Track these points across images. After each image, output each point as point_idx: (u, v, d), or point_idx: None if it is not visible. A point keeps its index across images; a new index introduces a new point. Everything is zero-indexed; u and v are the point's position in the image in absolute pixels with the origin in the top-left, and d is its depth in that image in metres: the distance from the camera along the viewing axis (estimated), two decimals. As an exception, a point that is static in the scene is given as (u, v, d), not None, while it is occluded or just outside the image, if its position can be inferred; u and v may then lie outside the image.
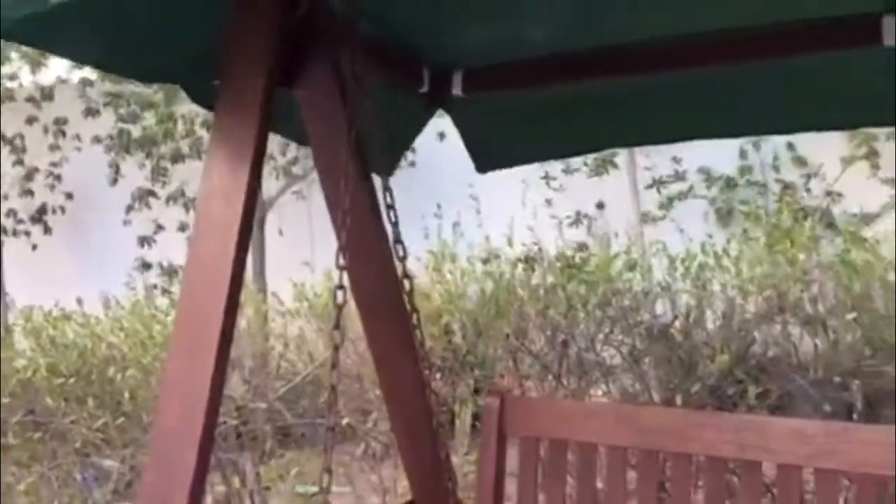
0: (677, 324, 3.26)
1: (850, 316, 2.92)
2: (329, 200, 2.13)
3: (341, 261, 1.91)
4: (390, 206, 2.04)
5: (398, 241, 1.99)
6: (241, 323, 3.91)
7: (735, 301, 3.19)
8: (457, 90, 2.47)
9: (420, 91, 2.45)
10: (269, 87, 1.90)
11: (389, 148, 2.40)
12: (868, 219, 5.28)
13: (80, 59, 2.01)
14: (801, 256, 3.09)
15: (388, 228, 2.06)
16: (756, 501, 1.85)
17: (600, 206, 6.26)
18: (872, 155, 5.85)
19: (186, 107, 6.34)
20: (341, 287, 1.87)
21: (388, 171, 2.51)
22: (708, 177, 6.30)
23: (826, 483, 1.75)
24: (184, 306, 1.87)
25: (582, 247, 4.74)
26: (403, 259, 2.02)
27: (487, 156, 2.75)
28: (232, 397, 3.46)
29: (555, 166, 6.08)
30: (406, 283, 2.03)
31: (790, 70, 2.20)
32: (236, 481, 3.37)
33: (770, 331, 3.06)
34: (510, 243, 3.97)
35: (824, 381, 2.87)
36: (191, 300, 1.81)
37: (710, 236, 4.58)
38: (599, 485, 2.00)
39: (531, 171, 5.03)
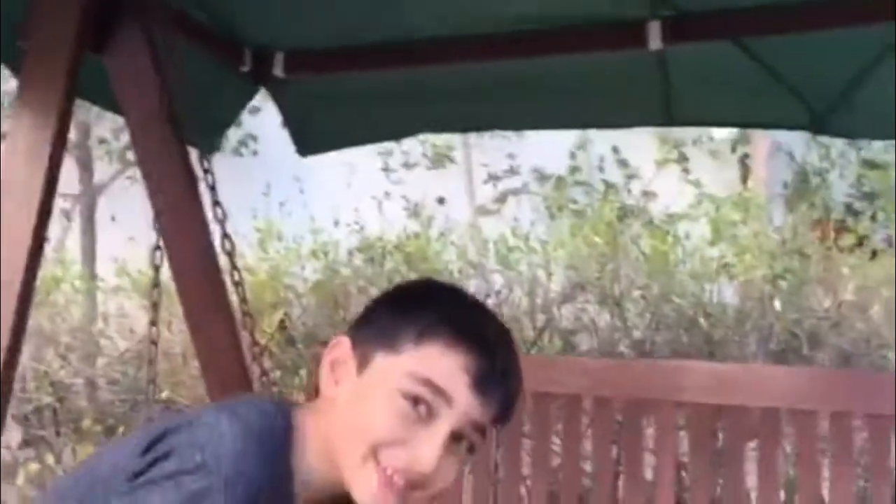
0: (490, 301, 3.51)
1: (637, 293, 3.25)
2: (142, 168, 2.17)
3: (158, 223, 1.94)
4: (212, 187, 2.11)
5: (226, 234, 2.03)
6: (59, 299, 3.83)
7: (540, 279, 3.48)
8: (278, 70, 2.54)
9: (241, 69, 2.51)
10: (76, 51, 1.93)
11: (210, 124, 2.45)
12: (678, 217, 5.75)
13: None
14: (598, 240, 3.40)
15: (211, 209, 2.11)
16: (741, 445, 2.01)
17: (441, 200, 6.45)
18: (682, 159, 6.42)
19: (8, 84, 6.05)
20: (158, 248, 1.93)
21: (209, 147, 2.57)
22: (541, 175, 6.65)
23: (806, 422, 1.95)
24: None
25: (413, 235, 4.98)
26: (229, 240, 2.04)
27: (309, 138, 2.76)
28: (47, 373, 3.39)
29: (395, 159, 6.27)
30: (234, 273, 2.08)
31: (580, 72, 2.40)
32: (50, 458, 3.31)
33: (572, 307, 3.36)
34: (336, 224, 4.10)
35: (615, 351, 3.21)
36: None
37: (532, 223, 4.89)
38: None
39: (366, 161, 5.19)
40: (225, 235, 2.09)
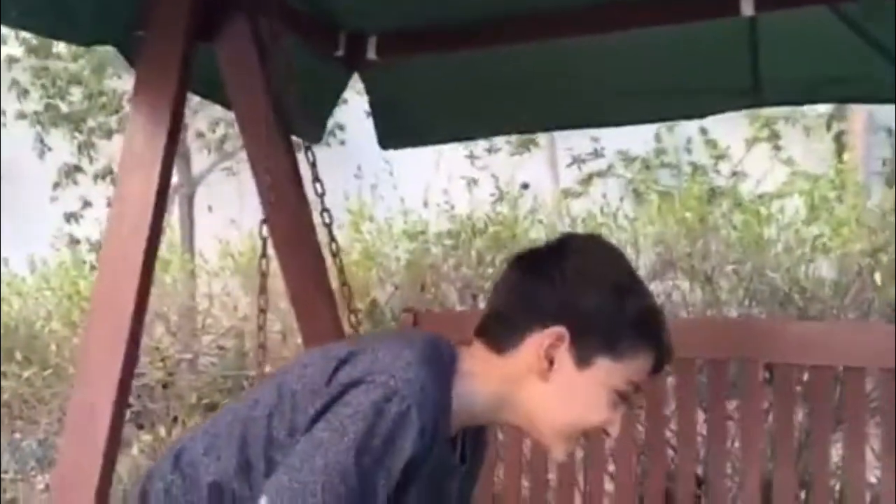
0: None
1: (729, 268, 3.22)
2: (250, 155, 2.28)
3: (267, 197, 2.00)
4: (313, 164, 2.21)
5: (325, 209, 2.15)
6: (167, 280, 4.04)
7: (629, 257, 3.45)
8: (371, 54, 2.61)
9: (335, 55, 2.59)
10: (188, 38, 2.04)
11: (311, 114, 2.53)
12: (770, 197, 5.60)
13: (15, 24, 2.10)
14: (689, 215, 3.37)
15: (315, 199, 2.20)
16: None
17: (525, 186, 6.42)
18: (773, 137, 6.25)
19: (115, 83, 6.36)
20: (265, 221, 2.03)
21: (314, 138, 2.67)
22: (626, 157, 6.58)
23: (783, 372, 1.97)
24: (106, 249, 2.00)
25: (500, 215, 5.01)
26: (328, 214, 2.14)
27: (393, 131, 2.80)
28: (158, 349, 3.59)
29: (478, 145, 6.31)
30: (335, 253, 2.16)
31: (666, 61, 2.38)
32: (162, 430, 3.50)
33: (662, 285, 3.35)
34: (426, 205, 4.18)
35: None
36: (115, 237, 1.95)
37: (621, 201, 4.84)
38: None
39: (452, 146, 5.25)
40: (324, 209, 2.19)
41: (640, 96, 2.50)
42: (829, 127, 6.44)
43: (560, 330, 1.12)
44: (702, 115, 2.66)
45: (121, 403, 1.82)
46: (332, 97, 2.88)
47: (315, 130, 2.68)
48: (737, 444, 2.09)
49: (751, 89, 2.38)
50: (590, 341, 1.11)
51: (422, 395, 1.02)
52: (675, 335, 1.17)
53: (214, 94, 2.37)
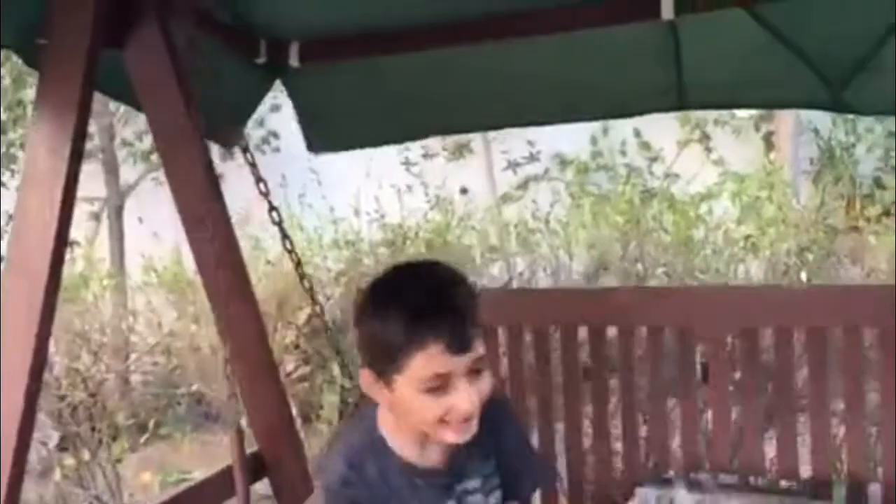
0: (514, 284, 3.50)
1: (660, 270, 3.24)
2: (164, 160, 2.20)
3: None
4: (252, 164, 2.16)
5: (273, 207, 2.14)
6: (89, 297, 3.89)
7: (562, 261, 3.47)
8: (293, 61, 2.54)
9: (257, 61, 2.53)
10: (93, 46, 1.94)
11: (228, 118, 2.46)
12: (701, 197, 5.69)
13: None
14: (620, 219, 3.39)
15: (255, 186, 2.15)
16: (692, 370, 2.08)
17: (464, 191, 6.38)
18: (704, 138, 6.36)
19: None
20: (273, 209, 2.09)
21: (230, 142, 2.59)
22: (562, 161, 6.61)
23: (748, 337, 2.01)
24: (8, 268, 1.90)
25: (433, 222, 4.98)
26: (277, 212, 2.14)
27: (321, 137, 2.72)
28: (78, 370, 3.45)
29: (414, 151, 6.26)
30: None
31: (594, 63, 2.38)
32: (86, 454, 3.37)
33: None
34: (357, 213, 4.12)
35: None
36: (18, 252, 1.85)
37: (552, 206, 4.86)
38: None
39: (385, 152, 5.18)
40: (272, 208, 2.14)
41: (566, 96, 2.49)
42: (757, 128, 6.58)
43: (364, 371, 1.28)
44: (628, 115, 2.65)
45: (25, 432, 1.72)
46: (253, 102, 2.80)
47: (232, 136, 2.59)
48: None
49: (675, 92, 2.38)
50: (380, 370, 1.24)
51: (327, 473, 1.29)
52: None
53: (125, 96, 2.27)
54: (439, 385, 1.20)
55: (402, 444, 1.31)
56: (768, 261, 3.35)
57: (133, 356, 3.89)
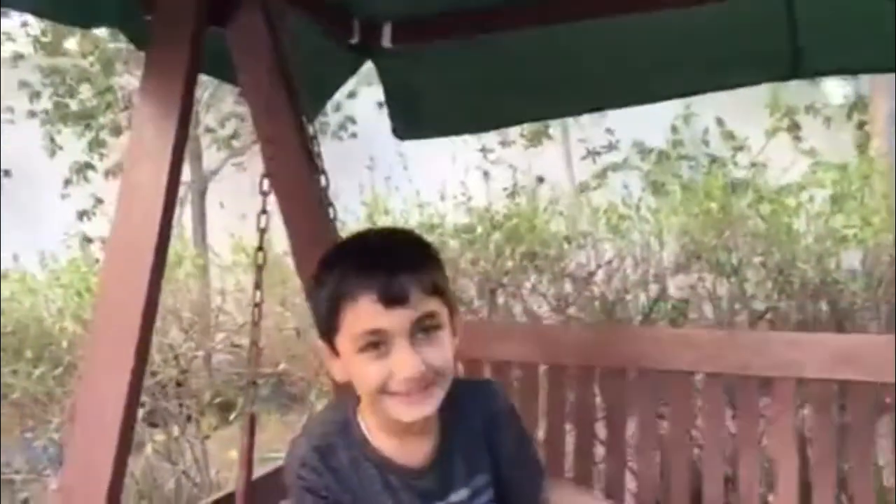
0: (600, 273, 3.43)
1: (757, 259, 3.12)
2: (262, 141, 2.21)
3: (265, 186, 1.91)
4: (318, 155, 2.12)
5: (329, 203, 2.03)
6: (179, 276, 3.97)
7: (652, 249, 3.38)
8: (386, 41, 2.54)
9: (350, 41, 2.53)
10: (199, 24, 1.96)
11: (314, 92, 2.46)
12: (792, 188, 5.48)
13: (13, 5, 2.02)
14: (713, 205, 3.28)
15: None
16: (654, 409, 1.99)
17: (541, 179, 6.32)
18: (794, 127, 6.14)
19: (124, 79, 6.31)
20: (264, 212, 1.94)
21: (310, 114, 2.60)
22: (641, 149, 6.47)
23: (713, 386, 1.91)
24: (113, 243, 1.92)
25: (516, 207, 4.92)
26: (332, 208, 2.04)
27: (408, 122, 2.70)
28: (171, 346, 3.52)
29: (491, 139, 6.23)
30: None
31: (690, 33, 2.30)
32: (175, 429, 3.44)
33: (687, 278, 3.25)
34: (442, 197, 4.10)
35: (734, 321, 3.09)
36: (124, 227, 1.87)
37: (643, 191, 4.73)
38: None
39: (466, 138, 5.16)
40: (329, 203, 2.11)
41: (667, 71, 2.42)
42: (849, 117, 6.33)
43: (316, 343, 1.24)
44: (736, 87, 2.54)
45: (132, 402, 1.73)
46: (340, 80, 2.79)
47: (315, 107, 2.59)
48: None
49: (789, 58, 2.28)
50: (324, 334, 1.20)
51: (287, 455, 1.23)
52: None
53: (223, 73, 2.29)
54: (377, 344, 1.11)
55: (379, 435, 1.20)
56: (871, 252, 3.21)
57: (221, 335, 3.97)
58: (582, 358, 1.99)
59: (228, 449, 3.58)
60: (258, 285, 1.90)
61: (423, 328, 1.12)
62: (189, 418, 3.49)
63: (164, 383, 3.47)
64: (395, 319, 1.10)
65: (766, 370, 1.84)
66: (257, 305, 1.91)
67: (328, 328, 1.17)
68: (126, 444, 1.66)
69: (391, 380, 1.12)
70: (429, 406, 1.14)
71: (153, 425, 3.70)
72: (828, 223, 3.34)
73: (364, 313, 1.11)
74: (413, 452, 1.20)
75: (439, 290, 1.14)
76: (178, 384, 3.52)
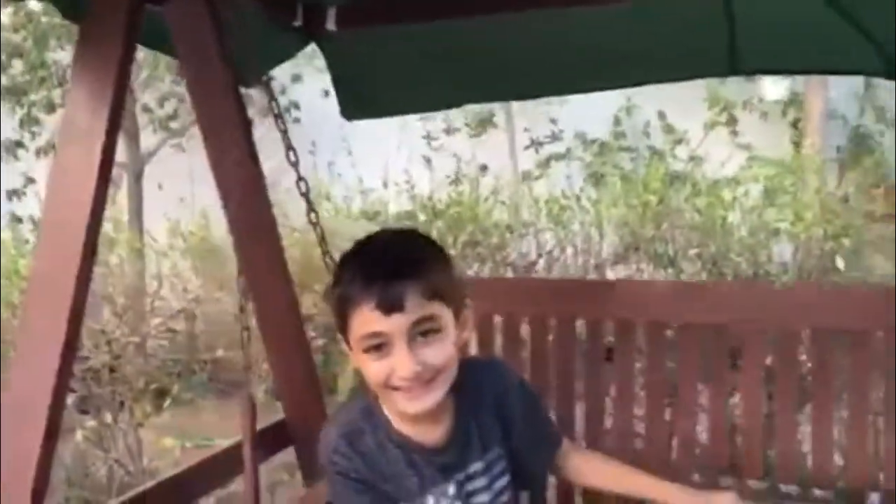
0: (541, 262, 3.45)
1: (693, 251, 3.19)
2: (200, 118, 2.16)
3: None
4: (284, 132, 2.10)
5: (301, 178, 2.03)
6: (113, 260, 3.87)
7: (592, 239, 3.42)
8: (330, 24, 2.51)
9: (294, 24, 2.48)
10: (136, 3, 1.91)
11: (252, 63, 2.40)
12: (728, 182, 5.62)
13: None
14: (652, 198, 3.33)
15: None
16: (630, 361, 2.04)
17: (484, 168, 6.34)
18: (731, 121, 6.29)
19: (58, 55, 6.10)
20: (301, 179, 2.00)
21: (247, 82, 2.55)
22: (584, 140, 6.55)
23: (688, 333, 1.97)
24: (45, 225, 1.86)
25: (461, 195, 4.93)
26: (304, 182, 2.04)
27: (357, 101, 2.72)
28: (104, 331, 3.43)
29: (436, 126, 6.22)
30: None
31: (631, 27, 2.32)
32: (108, 416, 3.36)
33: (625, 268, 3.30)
34: (385, 185, 4.07)
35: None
36: (54, 208, 1.81)
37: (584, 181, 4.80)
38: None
39: (409, 126, 5.14)
40: (300, 178, 2.08)
41: (608, 62, 2.44)
42: (784, 113, 6.50)
43: (340, 337, 1.31)
44: (680, 80, 2.59)
45: (60, 388, 1.68)
46: (282, 57, 2.74)
47: (251, 77, 2.55)
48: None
49: (727, 56, 2.32)
50: (341, 333, 1.27)
51: (321, 445, 1.31)
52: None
53: (163, 46, 2.23)
54: (379, 346, 1.20)
55: (398, 419, 1.30)
56: (803, 246, 3.30)
57: (156, 320, 3.87)
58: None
59: (163, 436, 3.52)
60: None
61: (422, 331, 1.21)
62: (122, 405, 3.41)
63: (96, 369, 3.37)
64: (394, 324, 1.19)
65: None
66: (241, 309, 1.88)
67: (340, 325, 1.26)
68: (54, 431, 1.61)
69: (392, 377, 1.21)
70: (429, 400, 1.24)
71: (84, 412, 3.61)
72: (761, 217, 3.42)
73: (365, 319, 1.20)
74: (432, 432, 1.31)
75: (439, 294, 1.22)
76: (111, 370, 3.44)
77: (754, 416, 1.99)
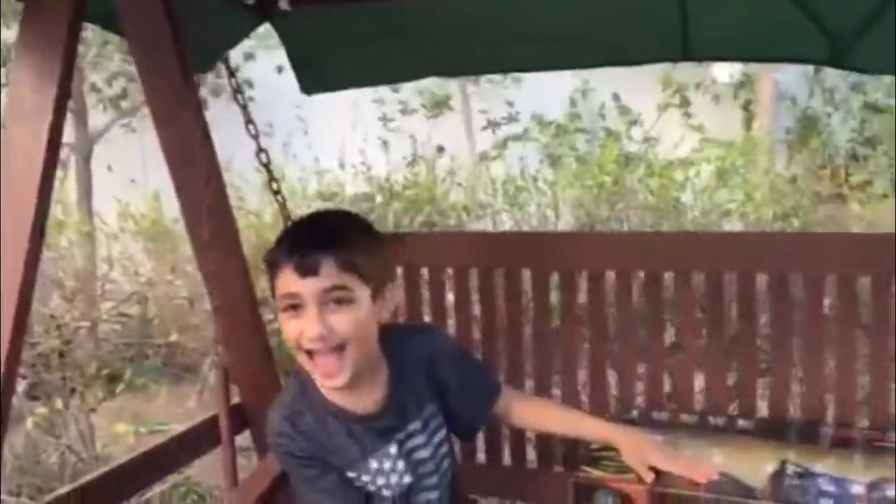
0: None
1: (647, 231, 3.21)
2: (150, 98, 2.11)
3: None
4: (244, 106, 2.09)
5: (261, 149, 2.08)
6: (62, 243, 3.77)
7: (548, 220, 3.44)
8: (283, 4, 2.47)
9: (246, 3, 2.44)
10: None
11: (206, 50, 2.37)
12: (681, 162, 5.68)
13: None
14: (607, 179, 3.36)
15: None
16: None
17: (441, 149, 6.33)
18: (684, 103, 6.35)
19: (5, 33, 5.91)
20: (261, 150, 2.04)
21: (202, 68, 2.51)
22: (540, 122, 6.56)
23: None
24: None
25: (417, 176, 4.91)
26: (265, 154, 2.09)
27: (314, 76, 2.72)
28: (53, 316, 3.35)
29: (392, 108, 6.18)
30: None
31: (588, 8, 2.33)
32: (59, 402, 3.30)
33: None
34: (342, 166, 4.03)
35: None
36: (1, 187, 1.77)
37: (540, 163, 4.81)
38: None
39: (365, 107, 5.10)
40: (260, 150, 2.08)
41: (562, 42, 2.45)
42: (736, 96, 6.60)
43: None
44: (631, 64, 2.61)
45: (9, 374, 1.65)
46: (235, 38, 2.71)
47: (207, 62, 2.51)
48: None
49: (679, 41, 2.35)
50: (273, 294, 1.34)
51: (267, 430, 1.40)
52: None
53: (110, 23, 2.17)
54: (295, 307, 1.28)
55: (333, 393, 1.38)
56: (754, 226, 3.36)
57: (108, 304, 3.80)
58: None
59: (116, 422, 3.47)
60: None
61: (335, 299, 1.29)
62: (73, 391, 3.35)
63: (46, 354, 3.30)
64: (308, 287, 1.27)
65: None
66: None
67: (271, 287, 1.34)
68: (4, 418, 1.58)
69: (302, 337, 1.29)
70: (340, 378, 1.31)
71: (35, 398, 3.53)
72: (712, 198, 3.48)
73: (286, 280, 1.28)
74: (367, 400, 1.39)
75: (355, 268, 1.30)
76: (61, 355, 3.37)
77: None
